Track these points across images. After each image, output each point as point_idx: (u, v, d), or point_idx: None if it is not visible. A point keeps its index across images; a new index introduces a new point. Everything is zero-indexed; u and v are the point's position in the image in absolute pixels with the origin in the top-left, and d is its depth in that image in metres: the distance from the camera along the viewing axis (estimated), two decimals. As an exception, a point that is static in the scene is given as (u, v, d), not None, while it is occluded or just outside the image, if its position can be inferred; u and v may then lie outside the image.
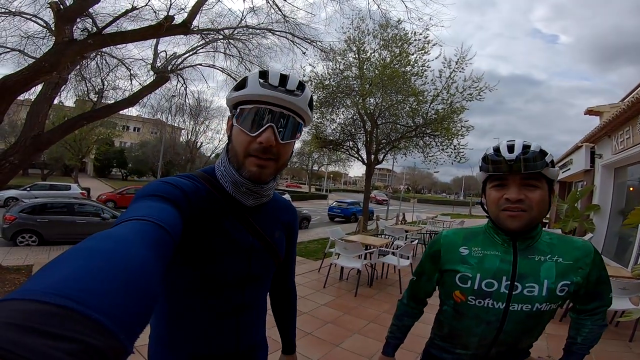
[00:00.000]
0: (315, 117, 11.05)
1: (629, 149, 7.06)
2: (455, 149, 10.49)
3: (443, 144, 10.59)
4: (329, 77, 10.26)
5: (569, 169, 12.16)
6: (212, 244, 0.81)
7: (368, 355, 3.11)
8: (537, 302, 0.98)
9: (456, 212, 30.59)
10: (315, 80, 10.30)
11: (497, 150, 0.98)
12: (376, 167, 12.22)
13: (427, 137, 10.92)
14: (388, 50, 9.70)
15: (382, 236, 7.37)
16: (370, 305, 4.43)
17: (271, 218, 0.95)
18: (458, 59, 9.35)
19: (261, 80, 0.77)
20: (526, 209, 0.95)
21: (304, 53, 8.39)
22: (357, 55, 10.06)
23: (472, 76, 9.47)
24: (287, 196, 25.82)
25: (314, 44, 8.26)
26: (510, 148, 0.95)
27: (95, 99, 8.35)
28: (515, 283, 0.99)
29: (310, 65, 10.20)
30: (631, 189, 8.20)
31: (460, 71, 9.43)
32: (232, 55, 8.48)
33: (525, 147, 0.94)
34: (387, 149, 11.93)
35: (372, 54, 9.98)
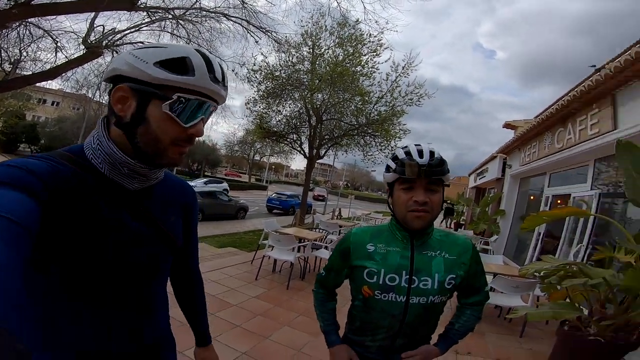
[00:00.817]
0: (261, 106, 10.84)
1: (534, 161, 8.04)
2: (392, 150, 10.88)
3: (382, 144, 11.02)
4: (280, 68, 10.09)
5: (485, 177, 13.55)
6: (86, 232, 0.70)
7: (296, 348, 3.12)
8: (430, 295, 1.09)
9: (389, 211, 32.14)
10: (266, 70, 10.06)
11: (408, 153, 1.06)
12: (318, 161, 12.33)
13: (368, 137, 11.27)
14: (342, 49, 9.79)
15: (317, 230, 7.47)
16: (302, 298, 4.46)
17: (164, 201, 0.88)
18: (405, 64, 9.75)
19: (211, 75, 0.74)
20: (429, 211, 1.06)
21: (256, 42, 8.13)
22: (311, 50, 10.02)
23: (415, 82, 9.95)
24: (225, 185, 25.10)
25: (269, 33, 8.02)
26: (420, 153, 1.04)
27: (10, 70, 7.21)
28: (413, 277, 1.10)
29: (262, 54, 9.90)
30: (532, 197, 9.38)
31: (405, 76, 9.84)
32: (180, 37, 7.88)
33: (432, 154, 1.05)
34: (329, 145, 12.08)
35: (327, 51, 10.01)
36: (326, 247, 5.74)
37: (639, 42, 3.54)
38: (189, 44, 7.80)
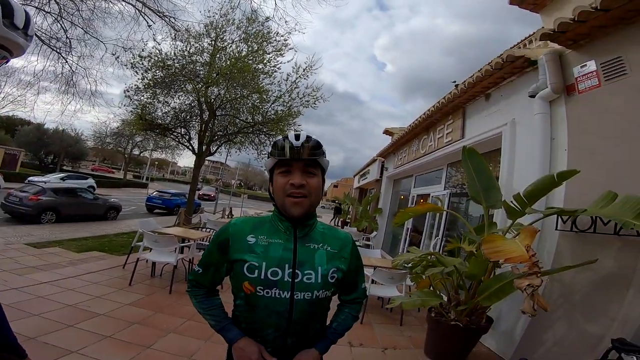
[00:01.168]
0: (145, 96, 9.67)
1: (404, 165, 9.23)
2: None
3: (269, 150, 10.99)
4: (175, 57, 9.15)
5: (367, 178, 14.99)
6: None
7: (187, 354, 2.83)
8: (315, 290, 1.07)
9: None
10: (156, 58, 8.98)
11: (285, 137, 1.08)
12: (210, 159, 11.66)
13: (263, 136, 11.16)
14: (247, 45, 9.44)
15: (204, 230, 7.01)
16: (188, 302, 4.01)
17: None
18: (307, 67, 9.89)
19: (6, 20, 0.65)
20: (307, 195, 1.05)
21: (149, 26, 7.16)
22: (213, 43, 9.37)
23: (314, 85, 10.21)
24: (90, 181, 21.45)
25: (165, 19, 7.15)
26: (297, 137, 1.06)
27: None
28: (296, 271, 1.06)
29: (155, 40, 8.77)
30: (402, 197, 10.75)
31: (305, 78, 9.99)
32: (50, 13, 6.41)
33: (308, 137, 1.07)
34: (221, 142, 11.53)
35: (230, 45, 9.50)
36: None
37: (490, 62, 4.32)
38: (58, 20, 6.43)
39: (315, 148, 1.06)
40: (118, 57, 8.51)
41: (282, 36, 9.54)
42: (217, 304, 1.20)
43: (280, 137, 1.13)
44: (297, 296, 1.05)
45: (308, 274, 1.07)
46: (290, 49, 9.72)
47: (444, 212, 6.22)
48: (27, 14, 0.68)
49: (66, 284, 4.06)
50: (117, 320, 3.29)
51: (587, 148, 3.15)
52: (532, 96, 3.75)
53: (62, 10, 6.51)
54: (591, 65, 3.14)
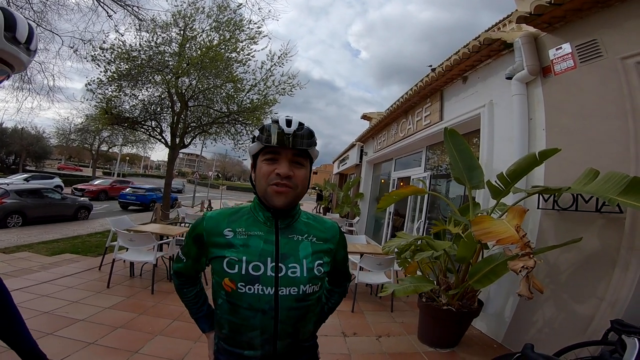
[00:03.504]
0: (110, 89, 9.18)
1: (383, 149, 9.28)
2: (265, 138, 10.93)
3: (254, 132, 10.82)
4: (140, 49, 8.66)
5: (346, 163, 15.03)
6: None
7: (178, 358, 2.71)
8: (301, 284, 0.99)
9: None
10: (120, 50, 8.48)
11: (275, 122, 0.96)
12: (185, 152, 11.31)
13: (239, 125, 10.93)
14: (218, 33, 9.06)
15: (183, 224, 6.82)
16: (173, 302, 3.92)
17: None
18: (282, 54, 9.70)
19: (8, 34, 0.63)
20: (292, 186, 0.97)
21: (109, 16, 6.68)
22: (182, 32, 8.94)
23: (290, 72, 10.08)
24: (57, 181, 20.37)
25: (128, 8, 6.70)
26: (289, 122, 0.96)
27: None
28: (280, 264, 0.98)
29: (117, 32, 8.25)
30: (382, 181, 10.86)
31: (280, 66, 9.82)
32: None
33: (301, 124, 0.97)
34: (196, 133, 11.18)
35: (200, 34, 9.08)
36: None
37: (467, 45, 4.33)
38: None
39: (307, 137, 0.96)
40: (77, 50, 8.04)
41: (255, 24, 9.27)
42: (194, 294, 1.21)
43: (269, 119, 0.98)
44: (282, 292, 0.97)
45: (293, 268, 0.98)
46: (264, 36, 9.48)
47: (426, 195, 6.32)
48: (30, 27, 0.65)
49: (40, 290, 3.82)
50: (99, 326, 3.12)
51: (564, 127, 3.23)
52: (509, 78, 3.80)
53: (10, 3, 5.96)
54: (566, 48, 3.19)
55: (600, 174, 2.42)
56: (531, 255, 2.04)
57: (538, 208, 3.22)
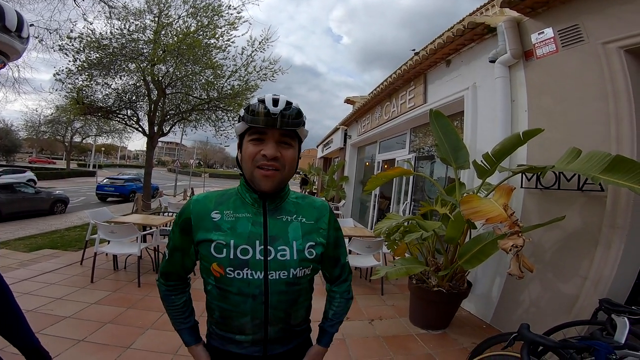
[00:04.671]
0: (80, 79, 8.75)
1: (368, 132, 9.32)
2: (246, 124, 10.79)
3: (235, 119, 10.68)
4: (112, 37, 8.24)
5: (330, 147, 15.02)
6: None
7: (171, 351, 2.67)
8: (291, 267, 0.96)
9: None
10: (90, 38, 8.04)
11: (262, 101, 0.92)
12: (164, 140, 11.00)
13: (220, 112, 10.70)
14: (196, 19, 8.70)
15: (166, 214, 6.68)
16: None
17: None
18: (262, 40, 9.48)
19: None
20: (279, 168, 0.93)
21: (76, 4, 6.29)
22: (156, 19, 8.53)
23: (271, 58, 9.87)
24: (29, 174, 19.51)
25: None
26: (275, 102, 0.91)
27: None
28: (269, 247, 0.95)
29: (86, 20, 7.79)
30: (367, 163, 10.93)
31: (261, 51, 9.61)
32: None
33: (289, 103, 0.93)
34: (175, 121, 10.87)
35: (176, 21, 8.70)
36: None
37: (451, 29, 4.33)
38: None
39: (294, 117, 0.92)
40: (42, 40, 7.61)
41: (235, 9, 8.95)
42: (179, 304, 1.12)
43: (255, 99, 0.94)
44: (271, 276, 0.94)
45: (282, 250, 0.95)
46: (244, 21, 9.18)
47: (411, 177, 6.41)
48: (19, 15, 0.65)
49: (21, 287, 3.69)
50: (87, 322, 3.05)
51: (546, 109, 3.31)
52: (492, 61, 3.84)
53: None
54: (549, 32, 3.24)
55: (582, 153, 2.50)
56: (520, 234, 2.10)
57: (522, 187, 3.32)
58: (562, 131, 3.07)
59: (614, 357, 1.38)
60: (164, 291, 1.12)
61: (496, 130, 3.75)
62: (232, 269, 0.93)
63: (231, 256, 0.93)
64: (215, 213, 0.98)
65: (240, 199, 1.01)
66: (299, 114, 0.93)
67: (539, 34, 3.33)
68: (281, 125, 0.90)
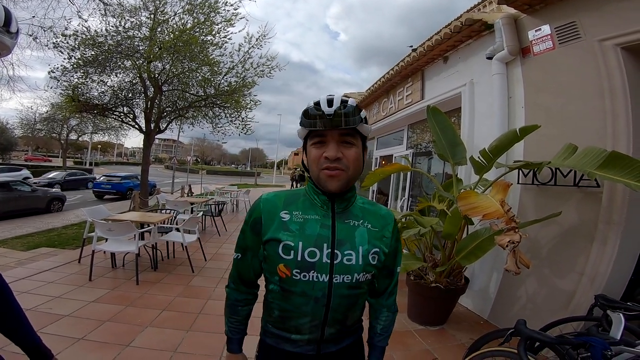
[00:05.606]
0: (76, 76, 8.69)
1: (365, 128, 9.30)
2: (243, 121, 10.76)
3: (232, 115, 10.66)
4: (107, 34, 8.19)
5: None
6: None
7: (171, 348, 2.68)
8: (355, 272, 0.96)
9: (244, 182, 32.09)
10: (85, 36, 7.97)
11: (317, 104, 0.92)
12: (161, 137, 10.96)
13: (217, 108, 10.65)
14: (192, 16, 8.65)
15: (164, 211, 6.66)
16: (159, 292, 3.88)
17: None
18: (259, 36, 9.43)
19: None
20: (344, 168, 0.92)
21: (71, 1, 6.21)
22: (152, 16, 8.47)
23: (268, 54, 9.81)
24: (25, 172, 19.40)
25: None
26: (330, 102, 0.90)
27: None
28: (335, 251, 0.95)
29: (80, 17, 7.71)
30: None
31: (258, 48, 9.56)
32: None
33: (344, 102, 0.90)
34: (172, 118, 10.82)
35: (173, 17, 8.64)
36: (177, 229, 5.14)
37: (448, 26, 4.33)
38: None
39: (351, 115, 0.89)
40: (36, 38, 7.55)
41: (231, 5, 8.89)
42: (243, 316, 1.13)
43: (311, 102, 0.94)
44: (336, 279, 0.94)
45: (348, 255, 0.95)
46: (241, 18, 9.12)
47: (409, 172, 6.43)
48: (6, 9, 0.63)
49: (19, 286, 3.68)
50: (86, 320, 3.05)
51: (542, 105, 3.32)
52: (490, 58, 3.84)
53: None
54: (546, 29, 3.24)
55: (578, 149, 2.51)
56: (516, 230, 2.12)
57: (518, 183, 3.33)
58: (558, 127, 3.08)
59: (609, 353, 1.39)
60: (234, 300, 1.12)
61: (493, 126, 3.76)
62: (298, 270, 0.93)
63: (299, 258, 0.93)
64: (285, 213, 0.98)
65: (309, 200, 1.01)
66: (355, 111, 0.91)
67: (536, 30, 3.33)
68: (336, 125, 0.89)
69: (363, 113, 0.94)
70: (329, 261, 0.94)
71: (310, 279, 0.93)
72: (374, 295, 1.14)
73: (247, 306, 1.14)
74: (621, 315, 1.65)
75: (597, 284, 2.63)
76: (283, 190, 1.10)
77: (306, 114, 0.92)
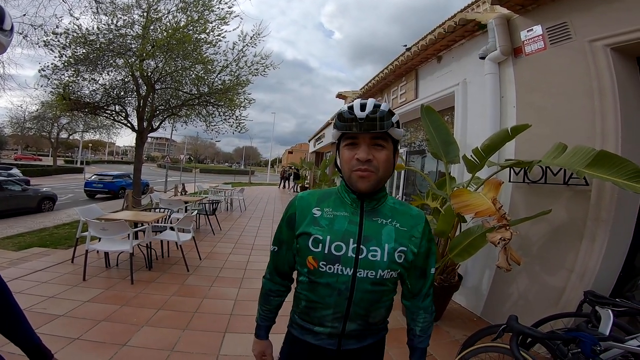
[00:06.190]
0: (67, 74, 8.61)
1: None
2: (237, 120, 10.74)
3: (226, 114, 10.63)
4: (99, 32, 8.11)
5: (322, 142, 15.05)
6: None
7: (168, 347, 2.68)
8: (379, 268, 0.99)
9: (237, 181, 31.94)
10: (76, 34, 7.89)
11: (350, 108, 0.97)
12: (153, 136, 10.87)
13: (211, 107, 10.61)
14: (186, 14, 8.59)
15: (158, 210, 6.62)
16: (154, 291, 3.86)
17: None
18: (254, 34, 9.42)
19: None
20: (374, 170, 0.96)
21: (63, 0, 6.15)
22: (145, 14, 8.40)
23: (262, 53, 9.81)
24: (15, 171, 19.12)
25: None
26: (363, 107, 0.95)
27: None
28: (361, 246, 0.99)
29: (72, 15, 7.61)
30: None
31: (252, 46, 9.56)
32: None
33: (376, 107, 0.94)
34: (164, 116, 10.75)
35: (166, 15, 8.56)
36: (172, 228, 5.12)
37: (442, 25, 4.37)
38: None
39: (383, 119, 0.93)
40: (26, 36, 7.44)
41: (225, 3, 8.85)
42: (274, 305, 1.22)
43: (345, 106, 0.98)
44: (360, 274, 0.98)
45: (373, 251, 0.99)
46: (235, 16, 9.07)
47: (403, 171, 6.48)
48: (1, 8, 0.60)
49: (12, 287, 3.52)
50: (81, 320, 3.03)
51: (533, 104, 3.37)
52: (482, 58, 3.89)
53: None
54: (537, 30, 3.29)
55: (568, 148, 2.56)
56: (508, 227, 2.16)
57: (510, 181, 3.39)
58: (549, 126, 3.14)
59: (599, 348, 1.43)
60: (267, 290, 1.20)
61: (485, 125, 3.81)
62: (325, 263, 0.99)
63: (326, 251, 0.99)
64: (317, 209, 1.05)
65: (340, 199, 1.07)
66: (387, 115, 0.94)
67: (528, 31, 3.38)
68: (369, 128, 0.93)
69: (395, 117, 0.97)
70: (354, 255, 0.99)
71: (335, 272, 0.99)
72: (410, 298, 1.16)
73: (279, 297, 1.22)
74: (610, 311, 1.67)
75: (586, 281, 2.68)
76: (318, 189, 1.18)
77: (340, 117, 0.98)
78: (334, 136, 1.03)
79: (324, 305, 1.03)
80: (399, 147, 1.08)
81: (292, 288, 1.22)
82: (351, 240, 1.00)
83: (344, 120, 0.96)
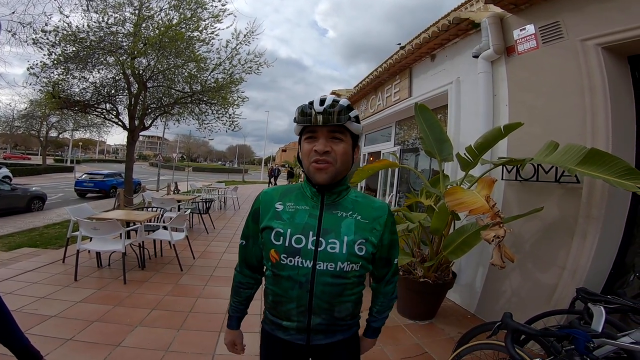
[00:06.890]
0: (56, 73, 8.49)
1: (353, 125, 9.34)
2: (230, 118, 10.68)
3: (219, 112, 10.56)
4: (89, 30, 7.99)
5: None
6: None
7: (162, 348, 2.65)
8: (339, 260, 1.01)
9: (231, 179, 31.76)
10: (65, 32, 7.77)
11: (311, 103, 1.00)
12: (145, 134, 10.76)
13: (204, 105, 10.52)
14: (179, 12, 8.51)
15: (150, 209, 6.55)
16: (148, 291, 3.83)
17: None
18: (247, 33, 9.36)
19: None
20: (332, 162, 0.99)
21: None
22: (137, 12, 8.31)
23: (256, 51, 9.77)
24: (4, 171, 18.77)
25: None
26: (322, 101, 0.99)
27: None
28: (320, 239, 1.01)
29: (62, 13, 7.50)
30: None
31: (246, 44, 9.51)
32: None
33: (335, 101, 0.99)
34: (157, 114, 10.64)
35: (158, 13, 8.47)
36: (165, 227, 5.07)
37: (436, 24, 4.38)
38: None
39: (340, 113, 0.97)
40: (15, 34, 7.31)
41: (219, 1, 8.77)
42: (245, 297, 1.25)
43: (306, 102, 1.02)
44: (319, 266, 1.00)
45: (332, 243, 1.01)
46: (229, 14, 9.01)
47: (397, 169, 6.50)
48: None
49: (2, 287, 3.56)
50: (74, 321, 2.99)
51: (525, 103, 3.40)
52: (476, 56, 3.92)
53: None
54: (530, 29, 3.32)
55: (559, 146, 2.59)
56: (501, 225, 2.18)
57: (502, 179, 3.42)
58: (541, 125, 3.17)
59: (592, 345, 1.44)
60: (237, 282, 1.23)
61: (479, 123, 3.84)
62: (285, 255, 1.01)
63: (286, 244, 1.01)
64: (279, 204, 1.08)
65: (302, 193, 1.10)
66: (345, 110, 0.98)
67: (520, 30, 3.41)
68: (326, 121, 0.97)
69: (354, 113, 1.02)
70: (313, 248, 1.01)
71: (296, 264, 1.01)
72: (376, 281, 1.24)
73: (249, 290, 1.24)
74: (602, 308, 1.69)
75: (578, 278, 2.72)
76: (282, 185, 1.21)
77: (301, 112, 1.00)
78: (296, 130, 1.06)
79: (287, 298, 1.04)
80: (358, 143, 1.11)
81: (262, 282, 1.24)
82: (311, 233, 1.02)
83: (304, 115, 0.99)
